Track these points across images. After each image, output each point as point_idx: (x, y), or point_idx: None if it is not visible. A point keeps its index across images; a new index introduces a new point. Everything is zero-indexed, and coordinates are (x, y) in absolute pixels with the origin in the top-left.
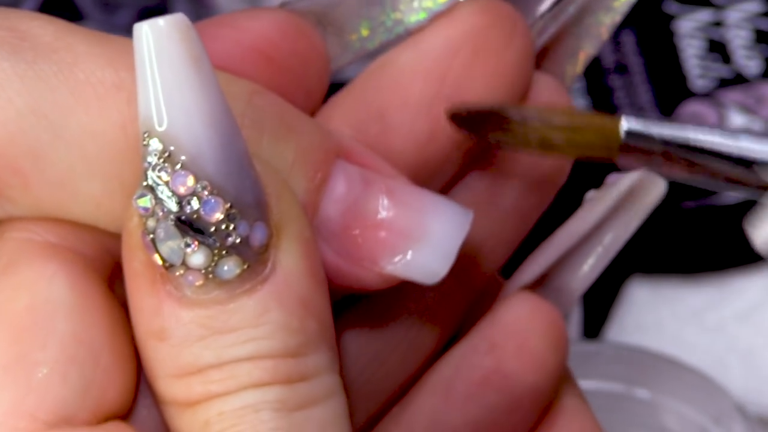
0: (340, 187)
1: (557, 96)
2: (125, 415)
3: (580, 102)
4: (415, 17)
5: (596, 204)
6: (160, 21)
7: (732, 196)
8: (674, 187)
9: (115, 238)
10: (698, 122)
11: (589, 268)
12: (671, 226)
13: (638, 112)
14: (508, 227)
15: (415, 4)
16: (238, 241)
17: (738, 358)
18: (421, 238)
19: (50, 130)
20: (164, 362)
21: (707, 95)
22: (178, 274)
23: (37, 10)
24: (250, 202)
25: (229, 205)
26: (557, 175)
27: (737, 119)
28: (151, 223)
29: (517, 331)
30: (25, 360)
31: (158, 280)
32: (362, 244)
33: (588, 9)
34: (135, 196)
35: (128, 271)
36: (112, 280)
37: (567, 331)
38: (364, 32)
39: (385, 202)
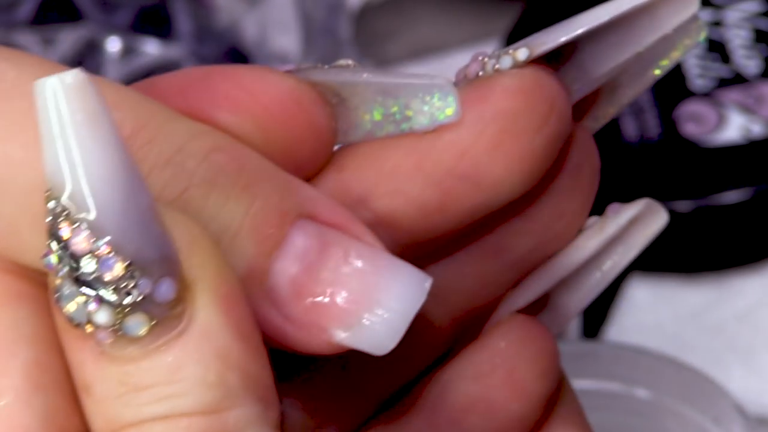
0: (294, 251)
1: (585, 148)
2: None
3: None
4: (421, 120)
5: (596, 233)
6: (57, 78)
7: (730, 196)
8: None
9: None
10: (698, 122)
11: (585, 291)
12: (670, 226)
13: (637, 111)
14: (509, 277)
15: (426, 108)
16: (139, 298)
17: (737, 357)
18: (372, 310)
19: None
20: (93, 417)
21: (706, 95)
22: (89, 331)
23: (36, 10)
24: (153, 258)
25: (128, 262)
26: (564, 239)
27: (737, 119)
28: (56, 281)
29: (506, 358)
30: None
31: (80, 337)
32: (311, 311)
33: (634, 63)
34: (41, 254)
35: (56, 326)
36: None
37: (559, 353)
38: (377, 116)
39: (341, 269)
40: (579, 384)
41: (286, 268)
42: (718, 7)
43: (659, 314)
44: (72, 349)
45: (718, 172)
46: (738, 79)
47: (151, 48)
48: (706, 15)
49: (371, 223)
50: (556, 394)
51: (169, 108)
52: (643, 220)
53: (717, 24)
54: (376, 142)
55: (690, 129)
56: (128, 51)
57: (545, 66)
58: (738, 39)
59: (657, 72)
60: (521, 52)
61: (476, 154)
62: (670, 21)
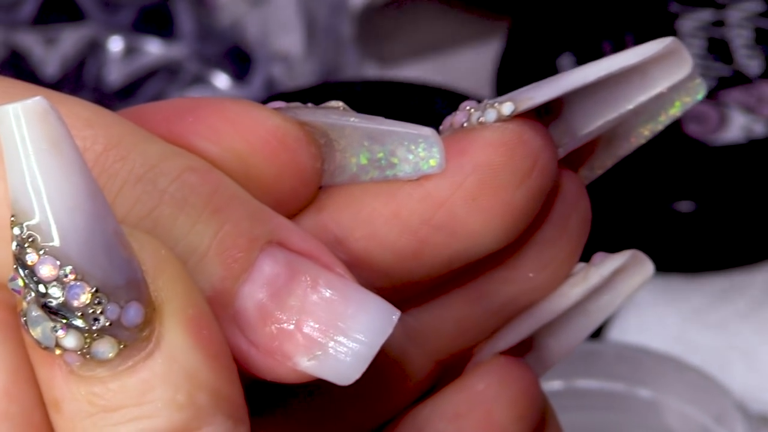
0: (262, 277)
1: (573, 196)
2: None
3: None
4: (405, 168)
5: (580, 281)
6: (20, 105)
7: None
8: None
9: None
10: (700, 122)
11: (571, 336)
12: (671, 226)
13: None
14: (491, 324)
15: (410, 157)
16: (107, 324)
17: (740, 356)
18: (338, 339)
19: None
20: None
21: (708, 95)
22: (57, 353)
23: (38, 10)
24: (119, 284)
25: (95, 289)
26: (548, 288)
27: (738, 119)
28: (24, 305)
29: (484, 400)
30: None
31: (48, 355)
32: (277, 337)
33: (631, 117)
34: (9, 278)
35: (25, 343)
36: None
37: (541, 395)
38: (363, 161)
39: (308, 297)
40: (582, 384)
41: (253, 293)
42: (720, 7)
43: (662, 313)
44: (41, 366)
45: (721, 172)
46: (740, 79)
47: (153, 47)
48: (708, 15)
49: (347, 264)
50: (548, 413)
51: (146, 131)
52: (628, 270)
53: (719, 24)
54: (357, 186)
55: (692, 129)
56: (130, 50)
57: (532, 119)
58: (740, 39)
59: (654, 128)
60: (506, 107)
61: (453, 205)
62: (663, 81)
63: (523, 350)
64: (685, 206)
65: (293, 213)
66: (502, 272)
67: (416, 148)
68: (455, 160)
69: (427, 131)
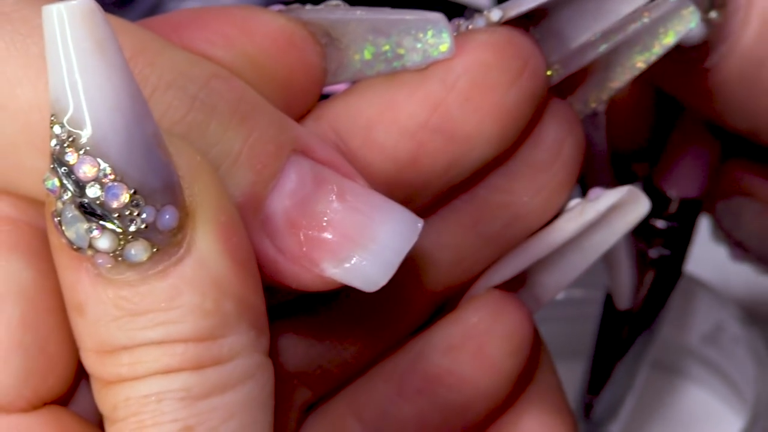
0: (290, 184)
1: (566, 123)
2: (64, 398)
3: None
4: (414, 58)
5: (576, 216)
6: (65, 5)
7: None
8: None
9: None
10: None
11: (564, 272)
12: None
13: None
14: (485, 254)
15: (419, 45)
16: (143, 226)
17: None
18: (365, 246)
19: None
20: (84, 337)
21: None
22: (88, 254)
23: None
24: (157, 187)
25: (132, 191)
26: (542, 214)
27: None
28: (59, 205)
29: (477, 334)
30: None
31: (75, 257)
32: (304, 244)
33: (624, 47)
34: (44, 177)
35: (51, 245)
36: None
37: (535, 331)
38: (368, 56)
39: (334, 204)
40: (580, 293)
41: (282, 200)
42: None
43: None
44: (66, 269)
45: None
46: None
47: None
48: None
49: None
50: (531, 372)
51: (164, 39)
52: (624, 207)
53: None
54: (353, 94)
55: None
56: None
57: (521, 28)
58: None
59: (648, 58)
60: (494, 13)
61: (448, 107)
62: None
63: (517, 287)
64: None
65: (301, 115)
66: (496, 195)
67: (424, 36)
68: (447, 63)
69: (436, 16)
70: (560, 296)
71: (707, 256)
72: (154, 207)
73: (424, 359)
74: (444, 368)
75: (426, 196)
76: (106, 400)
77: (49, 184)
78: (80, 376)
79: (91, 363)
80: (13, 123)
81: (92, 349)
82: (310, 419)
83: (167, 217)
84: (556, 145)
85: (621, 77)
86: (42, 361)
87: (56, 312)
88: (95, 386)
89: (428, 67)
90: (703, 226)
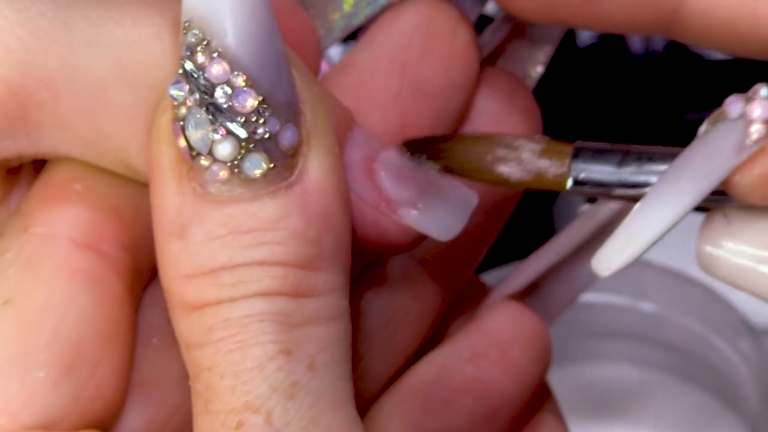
0: (361, 136)
1: (515, 89)
2: (106, 425)
3: None
4: None
5: (588, 219)
6: None
7: None
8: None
9: (140, 228)
10: None
11: (579, 282)
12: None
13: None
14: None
15: None
16: (266, 136)
17: None
18: (438, 194)
19: (82, 39)
20: (180, 262)
21: None
22: (204, 164)
23: None
24: (282, 102)
25: (261, 98)
26: (508, 203)
27: None
28: (182, 110)
29: (500, 340)
30: (26, 358)
31: (184, 177)
32: (383, 189)
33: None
34: (170, 83)
35: (154, 168)
36: (130, 282)
37: (551, 342)
38: (347, 8)
39: (399, 163)
40: (586, 297)
41: (359, 148)
42: None
43: None
44: (169, 192)
45: (723, 84)
46: None
47: None
48: None
49: None
50: (546, 385)
51: None
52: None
53: None
54: (328, 79)
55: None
56: None
57: None
58: None
59: None
60: None
61: (413, 65)
62: None
63: (528, 302)
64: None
65: None
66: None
67: None
68: (391, 29)
69: None
70: None
71: None
72: (279, 120)
73: (449, 369)
74: (470, 377)
75: None
76: (199, 323)
77: (173, 90)
78: (122, 406)
79: (180, 290)
80: (100, 59)
81: (187, 273)
82: None
83: (289, 133)
84: (510, 96)
85: (546, 47)
86: (92, 386)
87: (110, 340)
88: (180, 314)
89: (376, 37)
90: None
